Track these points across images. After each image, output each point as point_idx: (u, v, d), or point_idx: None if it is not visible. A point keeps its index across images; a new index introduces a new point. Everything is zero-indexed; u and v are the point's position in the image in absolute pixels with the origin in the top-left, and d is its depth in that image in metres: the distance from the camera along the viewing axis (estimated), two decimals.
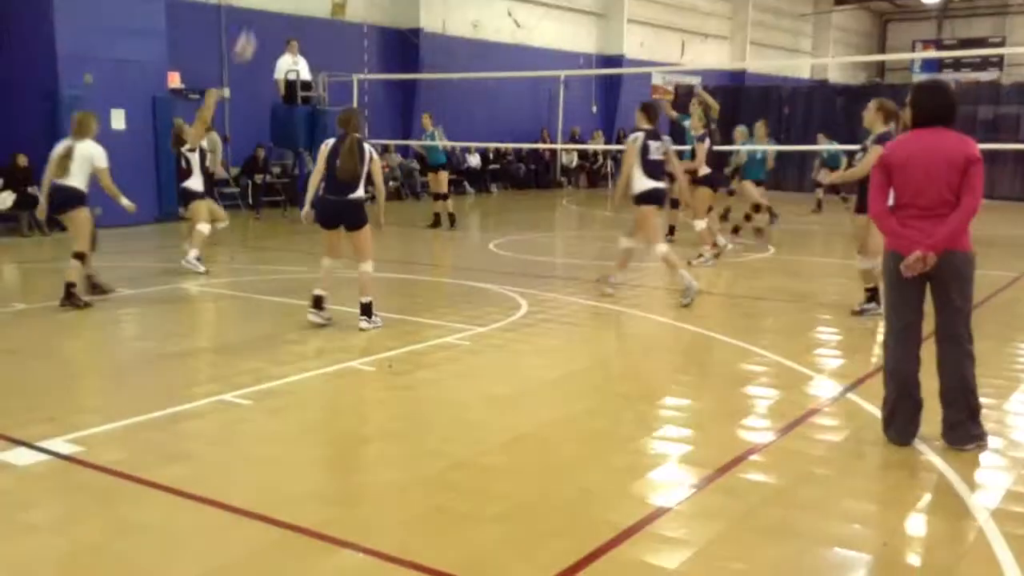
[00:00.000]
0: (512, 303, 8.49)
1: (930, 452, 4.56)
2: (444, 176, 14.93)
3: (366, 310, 7.32)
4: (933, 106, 4.55)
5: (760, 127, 13.87)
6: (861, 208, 7.58)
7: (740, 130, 13.66)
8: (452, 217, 14.85)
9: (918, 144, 4.52)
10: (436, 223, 14.81)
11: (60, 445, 4.54)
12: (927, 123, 4.55)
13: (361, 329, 7.24)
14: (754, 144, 13.68)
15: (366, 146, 7.27)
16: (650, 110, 8.84)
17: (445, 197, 14.82)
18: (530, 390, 5.81)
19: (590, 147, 25.31)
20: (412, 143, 18.26)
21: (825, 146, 17.29)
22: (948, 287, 4.49)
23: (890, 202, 4.60)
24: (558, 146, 22.26)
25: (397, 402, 5.57)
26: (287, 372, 5.98)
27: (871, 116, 7.50)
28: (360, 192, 7.19)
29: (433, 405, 5.49)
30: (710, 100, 12.16)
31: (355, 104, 15.88)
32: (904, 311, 4.59)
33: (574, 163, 25.75)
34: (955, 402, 4.56)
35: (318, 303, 7.41)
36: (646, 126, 8.67)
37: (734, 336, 7.22)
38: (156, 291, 9.10)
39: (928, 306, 4.60)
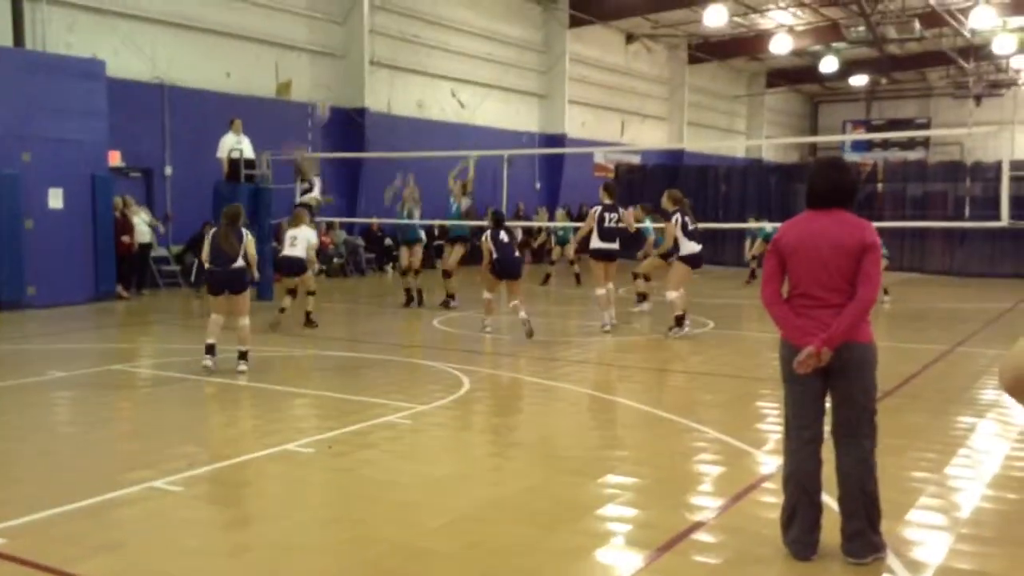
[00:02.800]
0: (454, 381, 8.45)
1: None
2: (419, 252, 14.87)
3: (243, 355, 8.81)
4: (827, 186, 4.16)
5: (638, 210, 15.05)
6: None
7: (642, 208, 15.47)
8: (420, 294, 14.73)
9: (809, 227, 4.15)
10: (409, 300, 14.60)
11: None
12: (821, 204, 4.16)
13: (240, 371, 8.64)
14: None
15: (244, 231, 8.93)
16: (610, 188, 11.89)
17: (417, 272, 14.70)
18: (471, 470, 5.75)
19: (535, 223, 25.62)
20: (381, 221, 18.45)
21: (754, 224, 18.17)
22: (849, 382, 4.08)
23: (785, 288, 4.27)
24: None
25: (335, 485, 5.47)
26: (222, 456, 5.85)
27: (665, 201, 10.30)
28: (240, 263, 8.83)
29: (372, 487, 5.40)
30: (466, 184, 14.99)
31: (298, 184, 15.90)
32: (801, 408, 4.18)
33: (518, 238, 26.00)
34: (855, 513, 4.10)
35: (210, 350, 8.76)
36: (607, 201, 11.60)
37: (675, 412, 7.26)
38: (89, 373, 8.87)
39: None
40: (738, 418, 7.18)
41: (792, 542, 4.18)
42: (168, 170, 17.76)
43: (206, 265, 9.03)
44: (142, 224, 16.18)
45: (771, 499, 5.18)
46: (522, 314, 11.13)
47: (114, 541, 4.45)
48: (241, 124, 15.54)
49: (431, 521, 4.73)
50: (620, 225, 11.70)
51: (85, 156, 14.46)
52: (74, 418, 7.35)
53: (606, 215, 11.53)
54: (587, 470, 5.81)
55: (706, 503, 5.10)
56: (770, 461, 5.91)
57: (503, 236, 11.50)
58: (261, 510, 5.07)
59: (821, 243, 4.08)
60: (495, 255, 11.41)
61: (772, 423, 7.14)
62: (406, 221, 14.96)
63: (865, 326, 4.09)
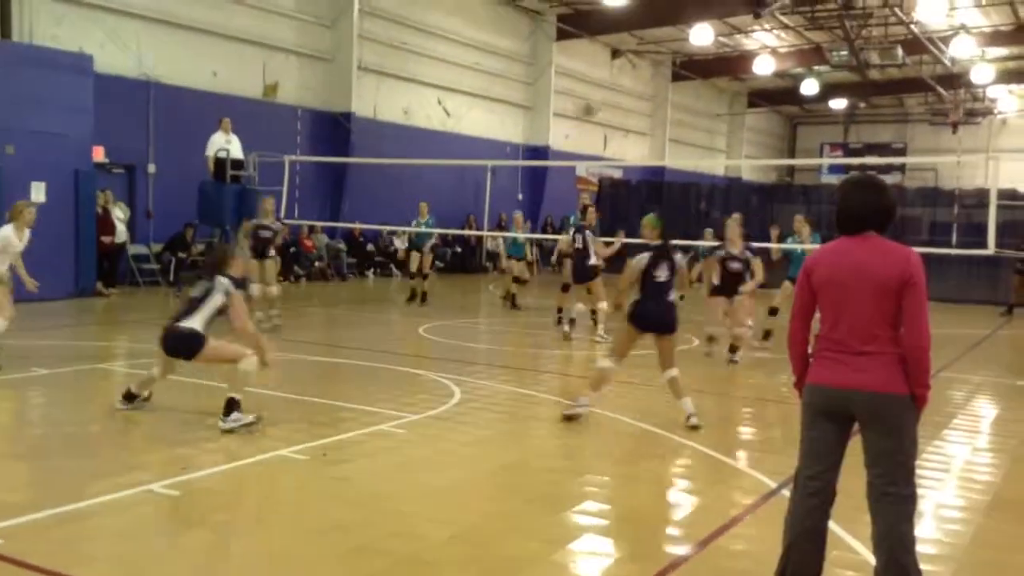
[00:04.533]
0: (446, 390, 8.43)
1: None
2: (428, 258, 16.22)
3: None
4: (863, 208, 3.66)
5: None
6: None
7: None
8: (417, 294, 15.80)
9: (844, 259, 3.66)
10: (414, 297, 15.82)
11: None
12: (855, 229, 3.67)
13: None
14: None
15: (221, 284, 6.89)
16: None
17: (425, 276, 15.94)
18: (468, 482, 5.74)
19: (519, 235, 25.58)
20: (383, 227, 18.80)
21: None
22: (881, 435, 3.60)
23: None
24: (484, 233, 22.48)
25: (334, 495, 5.42)
26: (216, 461, 5.79)
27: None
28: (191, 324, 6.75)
29: (371, 498, 5.36)
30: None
31: (285, 184, 15.84)
32: (812, 458, 3.73)
33: (500, 248, 26.03)
34: None
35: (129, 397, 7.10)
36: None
37: (664, 428, 7.28)
38: (73, 371, 8.75)
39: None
40: (730, 437, 7.22)
41: None
42: (151, 168, 17.59)
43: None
44: (117, 220, 16.03)
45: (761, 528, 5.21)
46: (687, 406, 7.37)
47: (112, 545, 4.38)
48: (230, 124, 15.44)
49: (433, 534, 4.71)
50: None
51: (69, 150, 14.31)
52: (63, 417, 7.23)
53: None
54: (580, 478, 5.80)
55: (697, 521, 5.11)
56: (760, 482, 5.94)
57: (659, 273, 7.47)
58: (260, 517, 5.02)
59: (856, 279, 3.60)
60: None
61: (761, 442, 7.18)
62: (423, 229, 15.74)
63: (903, 373, 3.59)
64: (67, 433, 6.59)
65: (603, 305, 11.92)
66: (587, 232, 12.28)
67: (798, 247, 11.98)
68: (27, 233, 9.27)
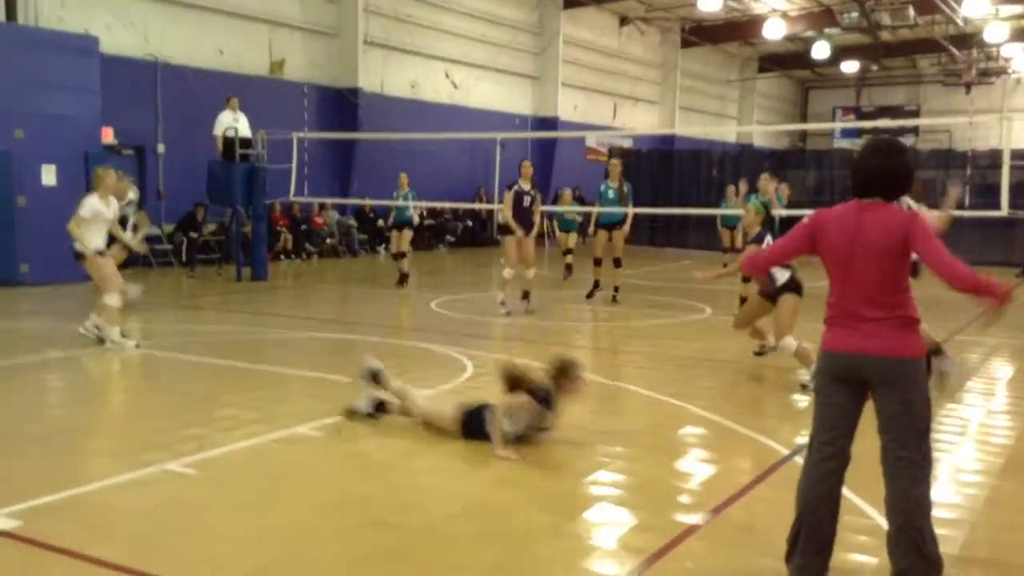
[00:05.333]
0: (458, 364, 8.46)
1: None
2: (407, 235, 14.98)
3: None
4: (878, 170, 3.62)
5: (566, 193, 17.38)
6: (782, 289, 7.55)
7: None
8: (406, 276, 14.81)
9: (852, 222, 3.65)
10: (403, 280, 14.82)
11: None
12: (868, 192, 3.64)
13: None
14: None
15: None
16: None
17: (403, 255, 14.82)
18: (481, 455, 5.76)
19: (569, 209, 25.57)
20: (379, 202, 18.04)
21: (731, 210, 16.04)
22: (892, 399, 3.60)
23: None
24: (495, 205, 22.40)
25: (348, 470, 5.47)
26: (232, 439, 5.83)
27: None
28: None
29: (385, 472, 5.40)
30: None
31: (294, 161, 15.81)
32: (825, 423, 3.74)
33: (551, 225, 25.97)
34: (902, 552, 3.58)
35: None
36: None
37: (676, 397, 7.29)
38: (87, 353, 8.81)
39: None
40: (743, 406, 7.22)
41: (796, 568, 3.73)
42: (160, 148, 17.61)
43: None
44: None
45: (775, 493, 5.22)
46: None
47: (131, 524, 4.44)
48: (238, 102, 15.42)
49: (446, 507, 4.74)
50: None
51: (78, 133, 14.31)
52: (78, 398, 7.31)
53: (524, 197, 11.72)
54: (591, 453, 5.82)
55: (708, 494, 5.13)
56: (773, 448, 5.95)
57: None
58: (276, 494, 5.05)
59: (860, 246, 3.59)
60: None
61: (775, 410, 7.19)
62: (403, 202, 14.90)
63: (914, 338, 3.60)
64: (83, 414, 6.66)
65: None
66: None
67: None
68: (113, 201, 9.21)
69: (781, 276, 7.72)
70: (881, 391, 3.63)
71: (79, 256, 9.04)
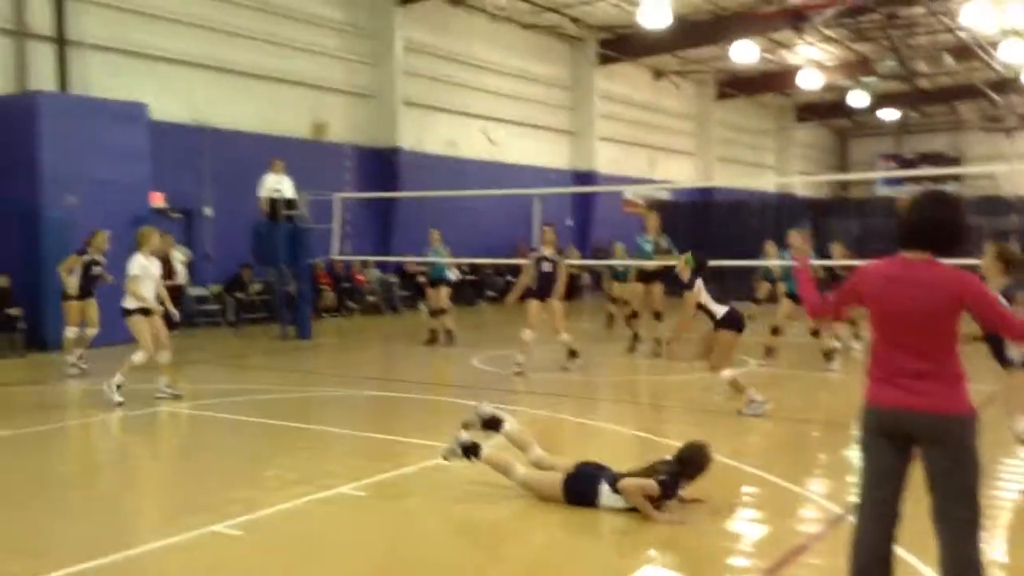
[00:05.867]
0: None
1: None
2: (445, 292, 15.03)
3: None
4: (926, 223, 3.55)
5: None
6: None
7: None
8: (450, 334, 14.83)
9: (898, 275, 3.58)
10: (432, 339, 14.75)
11: None
12: (915, 246, 3.56)
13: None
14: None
15: None
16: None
17: (443, 312, 14.88)
18: (527, 514, 5.72)
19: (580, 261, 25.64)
20: (416, 259, 18.26)
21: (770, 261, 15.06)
22: (941, 458, 3.51)
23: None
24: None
25: (394, 531, 5.46)
26: (277, 499, 5.86)
27: (988, 263, 6.13)
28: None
29: (431, 533, 5.38)
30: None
31: (336, 221, 16.06)
32: (873, 478, 3.66)
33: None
34: None
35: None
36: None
37: (725, 455, 7.19)
38: (135, 415, 8.94)
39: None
40: (795, 463, 7.10)
41: None
42: (208, 210, 18.01)
43: None
44: (178, 263, 16.39)
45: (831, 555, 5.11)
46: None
47: None
48: (283, 165, 15.77)
49: (494, 569, 4.70)
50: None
51: (128, 197, 14.67)
52: (127, 460, 7.41)
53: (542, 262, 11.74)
54: (625, 522, 5.75)
55: (760, 552, 5.03)
56: (826, 509, 5.83)
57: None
58: (321, 555, 5.05)
59: (909, 301, 3.52)
60: None
61: (826, 468, 7.06)
62: (435, 259, 15.06)
63: (962, 393, 3.53)
64: (130, 476, 6.74)
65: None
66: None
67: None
68: (156, 261, 9.51)
69: (719, 311, 8.63)
70: (930, 448, 3.55)
71: (129, 313, 9.33)
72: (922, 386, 3.52)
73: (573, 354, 11.87)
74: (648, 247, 13.14)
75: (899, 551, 3.75)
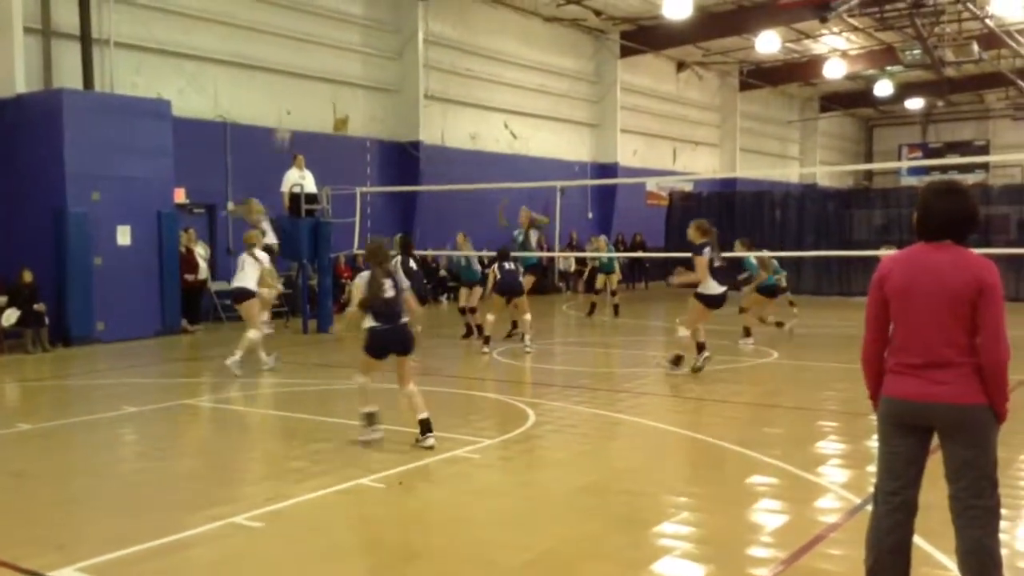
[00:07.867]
0: (520, 414, 8.45)
1: None
2: (477, 292, 15.08)
3: (425, 427, 7.05)
4: (943, 214, 3.56)
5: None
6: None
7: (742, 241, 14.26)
8: (480, 329, 14.85)
9: (921, 266, 3.57)
10: (469, 332, 14.82)
11: (70, 575, 4.46)
12: (934, 236, 3.58)
13: (428, 447, 6.95)
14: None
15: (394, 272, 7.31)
16: (702, 227, 10.55)
17: (474, 311, 14.94)
18: (544, 506, 5.73)
19: (587, 253, 25.59)
20: (443, 253, 18.44)
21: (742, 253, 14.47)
22: (960, 447, 3.52)
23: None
24: (555, 253, 22.50)
25: (411, 523, 5.49)
26: (297, 491, 5.91)
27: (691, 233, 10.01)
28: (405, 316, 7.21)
29: (448, 525, 5.41)
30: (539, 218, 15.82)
31: (358, 215, 16.13)
32: (891, 472, 3.65)
33: (572, 268, 26.03)
34: None
35: (371, 418, 7.26)
36: (702, 239, 10.37)
37: (743, 445, 7.16)
38: (160, 408, 9.04)
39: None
40: (809, 453, 7.06)
41: None
42: (230, 206, 18.12)
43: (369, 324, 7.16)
44: (200, 259, 16.53)
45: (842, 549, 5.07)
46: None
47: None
48: (304, 160, 15.84)
49: (510, 559, 4.71)
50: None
51: (152, 194, 14.84)
52: (150, 453, 7.48)
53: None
54: (657, 505, 5.75)
55: (777, 544, 5.01)
56: (844, 498, 5.79)
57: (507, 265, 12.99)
58: (340, 546, 5.10)
59: (930, 289, 3.51)
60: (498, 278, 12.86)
61: (844, 458, 7.01)
62: (464, 263, 15.25)
63: (982, 384, 3.51)
64: (154, 468, 6.81)
65: None
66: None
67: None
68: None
69: (705, 286, 10.12)
70: (951, 438, 3.55)
71: (248, 296, 11.18)
72: (943, 375, 3.51)
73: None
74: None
75: (917, 540, 3.73)
